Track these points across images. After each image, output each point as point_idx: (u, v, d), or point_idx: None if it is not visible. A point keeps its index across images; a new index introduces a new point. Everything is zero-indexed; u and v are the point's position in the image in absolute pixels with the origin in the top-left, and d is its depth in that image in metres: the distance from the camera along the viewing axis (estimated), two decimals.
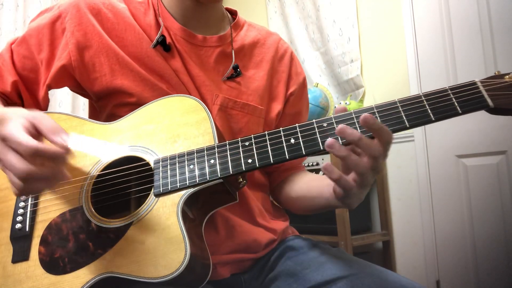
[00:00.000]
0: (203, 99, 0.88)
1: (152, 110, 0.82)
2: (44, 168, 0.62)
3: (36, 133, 0.65)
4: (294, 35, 3.14)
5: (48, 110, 0.94)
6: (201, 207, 0.77)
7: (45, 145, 0.62)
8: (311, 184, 0.91)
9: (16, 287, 0.73)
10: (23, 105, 0.92)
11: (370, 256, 2.58)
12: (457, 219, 2.27)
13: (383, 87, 2.62)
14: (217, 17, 0.96)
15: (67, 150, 0.63)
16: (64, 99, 2.97)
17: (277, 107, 0.96)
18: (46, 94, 0.90)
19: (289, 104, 0.99)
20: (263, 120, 0.93)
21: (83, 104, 3.04)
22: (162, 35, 0.88)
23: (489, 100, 0.66)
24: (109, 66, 0.85)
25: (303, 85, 1.03)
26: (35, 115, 0.66)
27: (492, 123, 2.15)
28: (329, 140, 0.64)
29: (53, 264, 0.73)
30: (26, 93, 0.91)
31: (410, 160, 2.46)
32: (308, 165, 2.45)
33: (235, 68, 0.92)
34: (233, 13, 1.02)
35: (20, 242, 0.77)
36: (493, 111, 0.68)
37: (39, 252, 0.75)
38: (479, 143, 2.21)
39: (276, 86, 0.97)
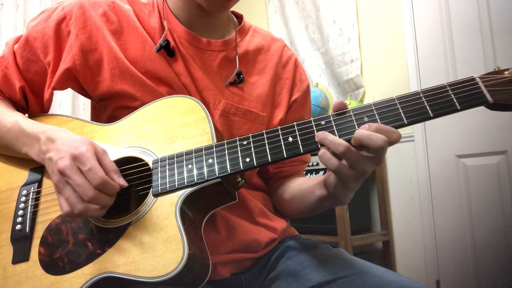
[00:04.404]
0: (205, 103, 0.87)
1: (151, 111, 0.82)
2: (105, 197, 0.69)
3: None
4: (294, 35, 3.14)
5: (49, 111, 0.94)
6: (201, 207, 0.77)
7: (111, 180, 0.69)
8: (303, 185, 0.92)
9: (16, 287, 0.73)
10: (28, 108, 0.92)
11: (370, 256, 2.58)
12: (457, 219, 2.27)
13: (383, 87, 2.62)
14: (223, 21, 0.95)
15: (120, 189, 0.71)
16: (64, 99, 2.98)
17: (279, 114, 0.95)
18: (51, 96, 0.90)
19: (292, 110, 0.99)
20: (265, 127, 0.93)
21: (83, 104, 3.04)
22: (166, 40, 0.87)
23: (488, 96, 0.65)
24: (109, 70, 0.85)
25: (306, 92, 1.02)
26: (96, 147, 0.72)
27: (492, 123, 2.15)
28: (319, 132, 0.68)
29: (53, 265, 0.73)
30: (31, 96, 0.91)
31: (410, 160, 2.46)
32: (308, 165, 2.45)
33: (238, 74, 0.91)
34: (239, 17, 1.02)
35: (20, 243, 0.77)
36: (492, 107, 0.67)
37: (39, 253, 0.75)
38: (479, 143, 2.21)
39: (279, 93, 0.97)
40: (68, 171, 0.68)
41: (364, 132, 0.65)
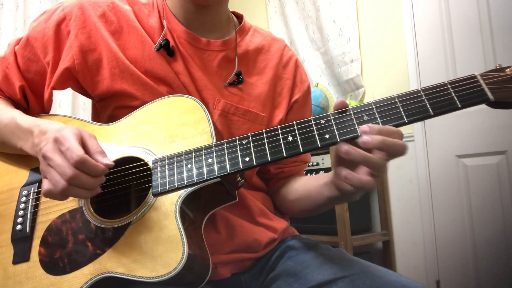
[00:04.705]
0: (204, 102, 0.87)
1: (151, 111, 0.82)
2: (87, 178, 0.67)
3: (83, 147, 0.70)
4: (294, 35, 3.14)
5: (49, 112, 0.94)
6: (200, 207, 0.77)
7: (91, 159, 0.67)
8: (308, 186, 0.91)
9: None
10: (28, 108, 0.92)
11: (370, 256, 2.58)
12: (457, 219, 2.27)
13: (383, 87, 2.62)
14: (222, 21, 0.95)
15: (106, 170, 0.69)
16: (64, 99, 2.98)
17: (279, 114, 0.95)
18: (51, 96, 0.90)
19: (292, 111, 0.99)
20: (265, 128, 0.93)
21: (83, 104, 3.04)
22: (165, 39, 0.87)
23: (489, 94, 0.65)
24: (109, 70, 0.85)
25: (307, 93, 1.02)
26: (84, 132, 0.72)
27: (492, 123, 2.15)
28: (344, 147, 0.65)
29: (53, 265, 0.73)
30: (31, 96, 0.91)
31: (410, 160, 2.46)
32: (308, 165, 2.45)
33: (238, 74, 0.91)
34: (239, 17, 1.01)
35: (20, 243, 0.77)
36: (494, 104, 0.66)
37: (39, 253, 0.75)
38: (479, 143, 2.20)
39: (279, 93, 0.97)
40: (49, 153, 0.68)
41: (390, 140, 0.65)
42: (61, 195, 0.68)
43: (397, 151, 0.65)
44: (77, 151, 0.66)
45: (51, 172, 0.68)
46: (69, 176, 0.66)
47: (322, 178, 0.85)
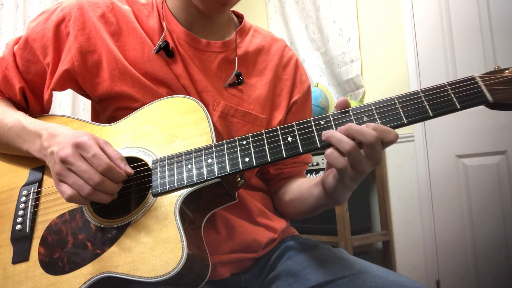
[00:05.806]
0: (204, 104, 0.86)
1: (151, 111, 0.82)
2: (112, 184, 0.70)
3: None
4: (294, 35, 3.14)
5: (49, 112, 0.94)
6: (200, 207, 0.77)
7: (116, 166, 0.70)
8: (302, 186, 0.92)
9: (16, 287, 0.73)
10: (28, 108, 0.92)
11: (370, 256, 2.58)
12: (457, 219, 2.27)
13: (383, 87, 2.62)
14: (223, 22, 0.95)
15: (126, 176, 0.72)
16: (64, 99, 2.98)
17: (278, 116, 0.95)
18: (50, 97, 0.90)
19: (292, 112, 0.98)
20: (264, 129, 0.93)
21: (83, 104, 3.04)
22: (165, 41, 0.87)
23: (488, 95, 0.65)
24: (109, 71, 0.85)
25: (307, 93, 1.02)
26: (99, 139, 0.73)
27: (492, 123, 2.15)
28: (325, 131, 0.68)
29: (52, 265, 0.73)
30: (31, 97, 0.91)
31: (410, 160, 2.46)
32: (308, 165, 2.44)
33: (238, 75, 0.91)
34: (240, 16, 1.01)
35: (20, 243, 0.77)
36: (492, 106, 0.67)
37: (39, 253, 0.75)
38: (479, 143, 2.20)
39: (279, 95, 0.96)
40: (71, 159, 0.69)
41: (356, 126, 0.66)
42: (85, 199, 0.70)
43: (361, 135, 0.65)
44: (105, 159, 0.69)
45: (72, 177, 0.69)
46: (96, 182, 0.68)
47: (315, 179, 0.85)
